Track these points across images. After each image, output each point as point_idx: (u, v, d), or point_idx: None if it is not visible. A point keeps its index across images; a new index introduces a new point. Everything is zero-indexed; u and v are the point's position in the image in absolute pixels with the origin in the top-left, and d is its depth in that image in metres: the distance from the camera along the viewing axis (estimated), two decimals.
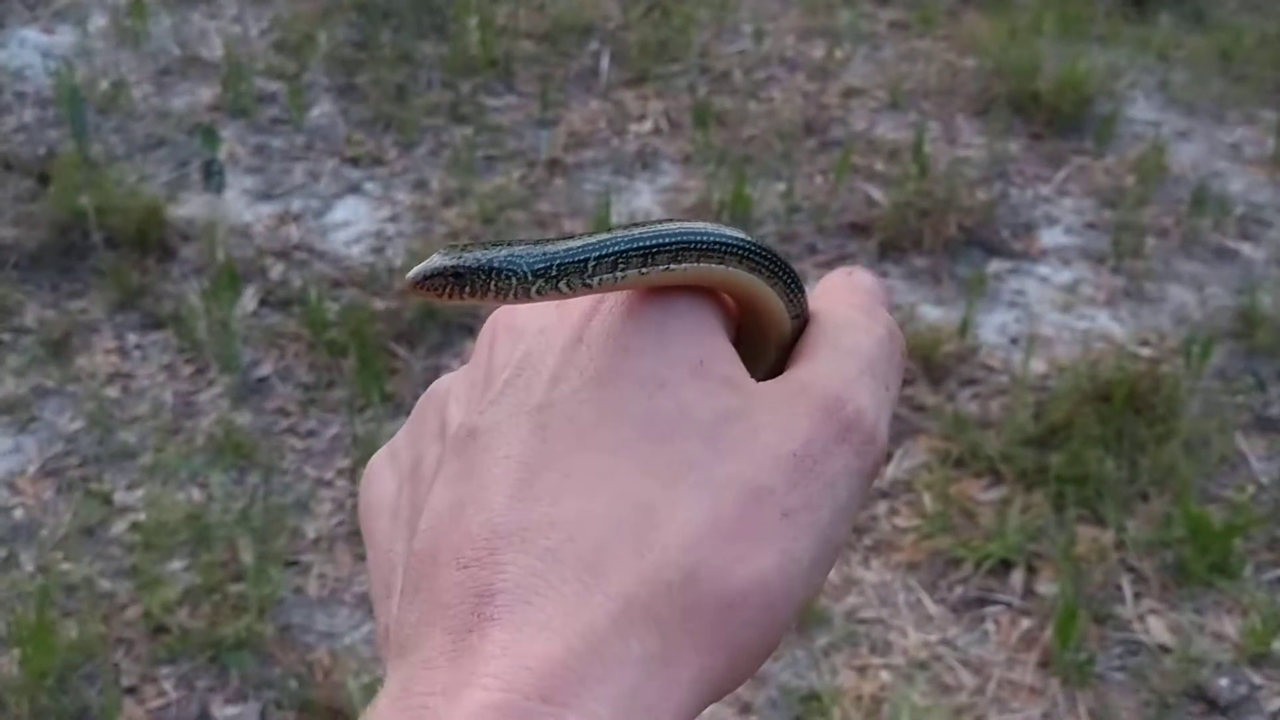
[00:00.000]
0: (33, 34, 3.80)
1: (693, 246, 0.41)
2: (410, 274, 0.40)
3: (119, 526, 2.31)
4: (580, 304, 0.42)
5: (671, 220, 0.42)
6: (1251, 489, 2.34)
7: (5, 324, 2.76)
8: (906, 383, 2.54)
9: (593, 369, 0.40)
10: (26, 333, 2.74)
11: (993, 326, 2.72)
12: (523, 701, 0.33)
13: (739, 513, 0.37)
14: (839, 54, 3.65)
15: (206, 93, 3.54)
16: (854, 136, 3.31)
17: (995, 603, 2.17)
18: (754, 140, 3.31)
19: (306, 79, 3.57)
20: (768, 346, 0.45)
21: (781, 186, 3.11)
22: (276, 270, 2.90)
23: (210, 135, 3.17)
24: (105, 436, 2.49)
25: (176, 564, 2.22)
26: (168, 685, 2.03)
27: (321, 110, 3.47)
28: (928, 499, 2.32)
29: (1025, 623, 2.13)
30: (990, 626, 2.14)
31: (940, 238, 2.92)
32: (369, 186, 3.19)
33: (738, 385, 0.40)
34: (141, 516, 2.32)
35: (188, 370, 2.66)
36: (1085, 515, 2.28)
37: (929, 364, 2.58)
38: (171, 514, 2.31)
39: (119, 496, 2.37)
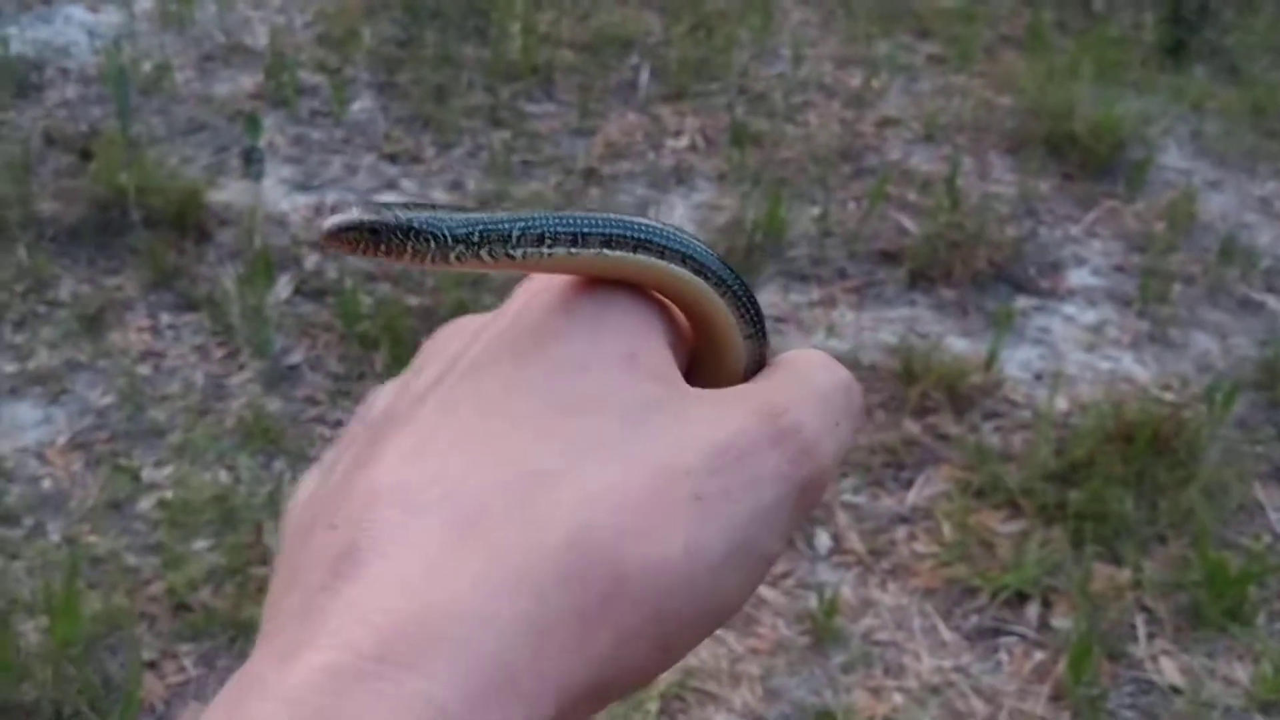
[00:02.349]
0: (79, 12, 3.83)
1: (628, 236, 0.39)
2: (326, 224, 0.38)
3: (146, 503, 2.33)
4: (517, 298, 0.40)
5: (620, 215, 0.41)
6: (1268, 538, 2.36)
7: (41, 296, 2.79)
8: (929, 411, 2.57)
9: (516, 350, 0.38)
10: (62, 306, 2.77)
11: (1017, 361, 2.74)
12: (355, 661, 0.29)
13: (647, 488, 0.34)
14: (876, 84, 3.69)
15: (248, 81, 3.57)
16: (888, 166, 3.34)
17: (1009, 633, 2.19)
18: (789, 163, 3.34)
19: (349, 73, 3.60)
20: (722, 371, 0.42)
21: (815, 210, 3.14)
22: (311, 260, 2.93)
23: (253, 123, 3.20)
24: (135, 413, 2.51)
25: (201, 543, 2.24)
26: (188, 662, 2.05)
27: (362, 105, 3.50)
28: (947, 527, 2.34)
29: (1038, 655, 2.15)
30: (1004, 657, 2.15)
31: (969, 271, 2.95)
32: (405, 184, 3.22)
33: (668, 381, 0.38)
34: (168, 494, 2.34)
35: (219, 353, 2.68)
36: (1103, 553, 2.30)
37: (954, 395, 2.60)
38: (198, 494, 2.33)
39: (147, 473, 2.39)
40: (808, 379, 0.40)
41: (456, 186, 3.21)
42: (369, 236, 0.38)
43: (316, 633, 0.30)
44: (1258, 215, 3.27)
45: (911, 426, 2.55)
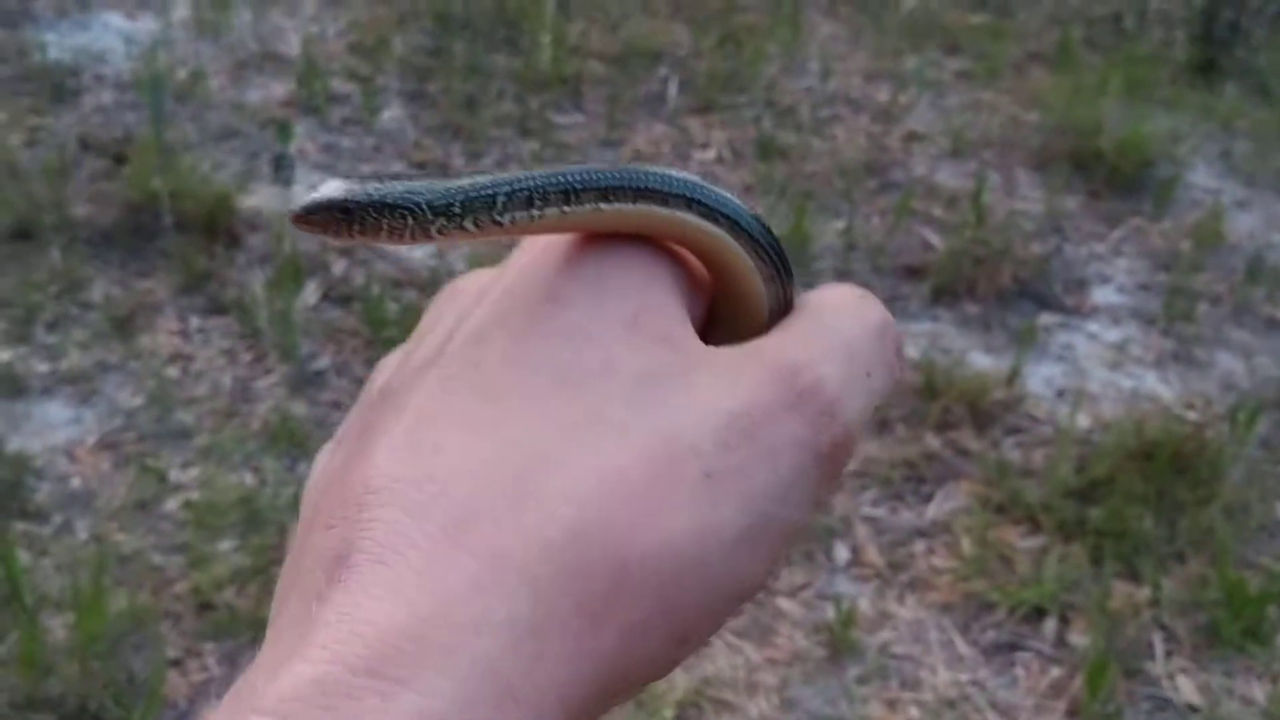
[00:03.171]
0: (116, 19, 3.89)
1: (626, 187, 0.36)
2: (295, 205, 0.35)
3: (172, 503, 2.36)
4: (518, 258, 0.38)
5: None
6: None
7: (73, 298, 2.83)
8: (950, 426, 2.57)
9: (510, 316, 0.35)
10: (93, 308, 2.81)
11: (1040, 378, 2.75)
12: (344, 675, 0.28)
13: (649, 468, 0.32)
14: (904, 98, 3.69)
15: (280, 89, 3.61)
16: (914, 181, 3.35)
17: (1026, 649, 2.19)
18: (815, 176, 3.35)
19: (379, 82, 3.64)
20: (744, 319, 0.39)
21: (840, 224, 3.15)
22: (339, 266, 2.96)
23: (285, 130, 3.24)
24: (163, 415, 2.54)
25: (226, 544, 2.27)
26: (211, 661, 2.08)
27: (392, 114, 3.53)
28: (966, 542, 2.35)
29: (1055, 671, 2.15)
30: (1020, 672, 2.16)
31: (994, 287, 2.96)
32: None
33: (676, 344, 0.35)
34: (195, 495, 2.37)
35: (247, 357, 2.71)
36: (1121, 570, 2.30)
37: (975, 410, 2.61)
38: (224, 495, 2.36)
39: (174, 474, 2.42)
40: (833, 328, 0.37)
41: None
42: (341, 216, 0.35)
43: (308, 642, 0.29)
44: None
45: (933, 441, 2.55)
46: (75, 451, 2.46)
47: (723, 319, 0.39)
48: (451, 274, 2.92)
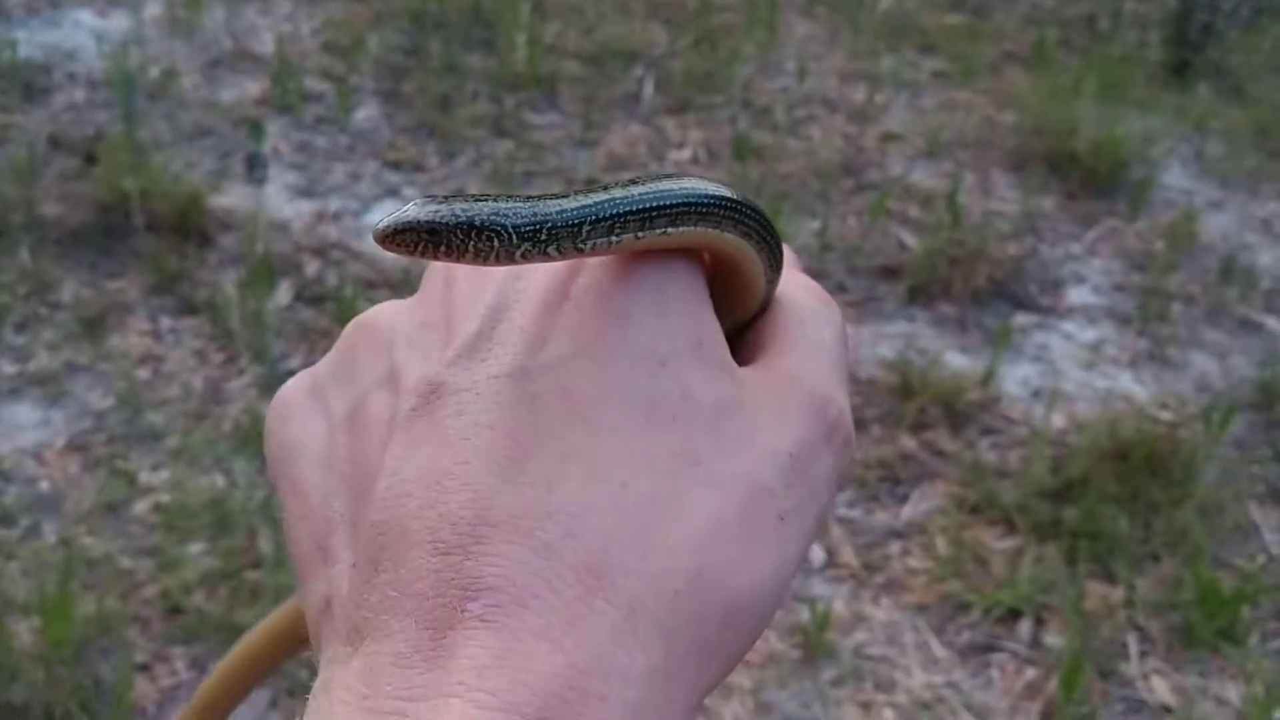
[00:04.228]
0: (87, 16, 3.85)
1: (693, 209, 0.38)
2: (381, 224, 0.36)
3: (142, 506, 2.34)
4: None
5: (667, 177, 0.38)
6: (1262, 559, 2.36)
7: (43, 298, 2.80)
8: (926, 427, 2.57)
9: (585, 335, 0.36)
10: (62, 308, 2.78)
11: (1015, 378, 2.75)
12: None
13: (742, 514, 0.34)
14: (879, 99, 3.69)
15: (254, 87, 3.58)
16: (890, 181, 3.34)
17: (1002, 650, 2.19)
18: (791, 176, 3.35)
19: (354, 81, 3.62)
20: (738, 309, 0.41)
21: (816, 224, 3.15)
22: (312, 267, 2.94)
23: (258, 129, 3.21)
24: (133, 416, 2.52)
25: (196, 547, 2.25)
26: (180, 665, 2.06)
27: (366, 113, 3.51)
28: (941, 543, 2.35)
29: (1030, 672, 2.15)
30: (995, 673, 2.15)
31: (969, 287, 2.95)
32: (408, 192, 3.23)
33: (732, 372, 0.37)
34: (164, 498, 2.34)
35: (218, 358, 2.69)
36: (1096, 571, 2.30)
37: (950, 411, 2.61)
38: (194, 497, 2.33)
39: (143, 476, 2.40)
40: (824, 343, 0.40)
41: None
42: (427, 237, 0.35)
43: (464, 683, 0.30)
44: (1259, 236, 3.27)
45: (908, 442, 2.55)
46: (43, 454, 2.43)
47: (722, 301, 0.40)
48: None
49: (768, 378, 0.38)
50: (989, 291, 2.97)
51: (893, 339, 2.82)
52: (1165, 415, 2.66)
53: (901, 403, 2.61)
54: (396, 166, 3.31)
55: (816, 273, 2.97)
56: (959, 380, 2.67)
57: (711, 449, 0.35)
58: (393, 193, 3.22)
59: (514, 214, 0.36)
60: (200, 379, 2.63)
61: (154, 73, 3.56)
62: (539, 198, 0.37)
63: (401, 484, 0.34)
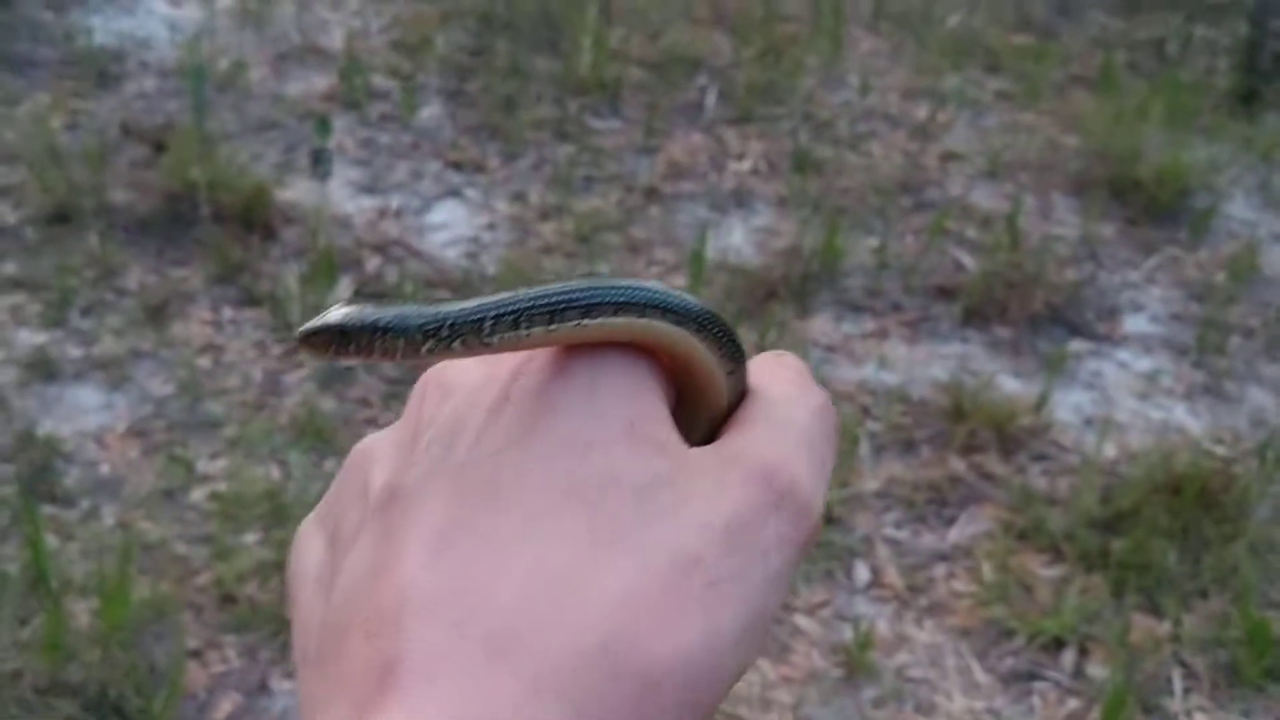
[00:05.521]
0: (161, 6, 3.92)
1: (606, 302, 0.39)
2: (300, 329, 0.39)
3: (198, 493, 2.38)
4: (510, 360, 0.40)
5: (591, 277, 0.40)
6: None
7: (109, 284, 2.85)
8: (976, 450, 2.57)
9: (518, 428, 0.38)
10: (128, 295, 2.83)
11: (1068, 405, 2.73)
12: None
13: (663, 582, 0.35)
14: (942, 117, 3.69)
15: (321, 82, 3.63)
16: (949, 200, 3.34)
17: (1044, 679, 2.19)
18: (850, 192, 3.35)
19: (419, 80, 3.65)
20: (704, 411, 0.42)
21: (873, 241, 3.15)
22: (373, 263, 2.97)
23: (324, 124, 3.26)
24: (193, 404, 2.56)
25: (250, 537, 2.29)
26: (231, 652, 2.09)
27: (431, 112, 3.55)
28: (987, 568, 2.34)
29: (1072, 703, 2.14)
30: (1036, 701, 2.15)
31: (1025, 311, 2.95)
32: (469, 192, 3.26)
33: (669, 450, 0.38)
34: (221, 486, 2.38)
35: (278, 350, 2.73)
36: (1143, 604, 2.29)
37: (1002, 434, 2.60)
38: (250, 488, 2.37)
39: (201, 465, 2.44)
40: (790, 421, 0.40)
41: (519, 198, 3.25)
42: (338, 338, 0.38)
43: None
44: None
45: (957, 464, 2.55)
46: (105, 438, 2.48)
47: (686, 409, 0.42)
48: (484, 276, 2.93)
49: (714, 454, 0.39)
50: (1045, 316, 2.96)
51: (946, 360, 2.82)
52: (1219, 450, 2.64)
53: (952, 425, 2.61)
54: (458, 166, 3.35)
55: (872, 291, 2.98)
56: (1011, 404, 2.66)
57: (634, 522, 0.36)
58: (454, 192, 3.25)
59: (418, 314, 0.39)
60: (259, 370, 2.67)
61: (224, 64, 3.61)
62: (454, 301, 0.39)
63: (351, 583, 0.37)
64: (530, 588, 0.34)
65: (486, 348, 0.39)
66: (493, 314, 0.39)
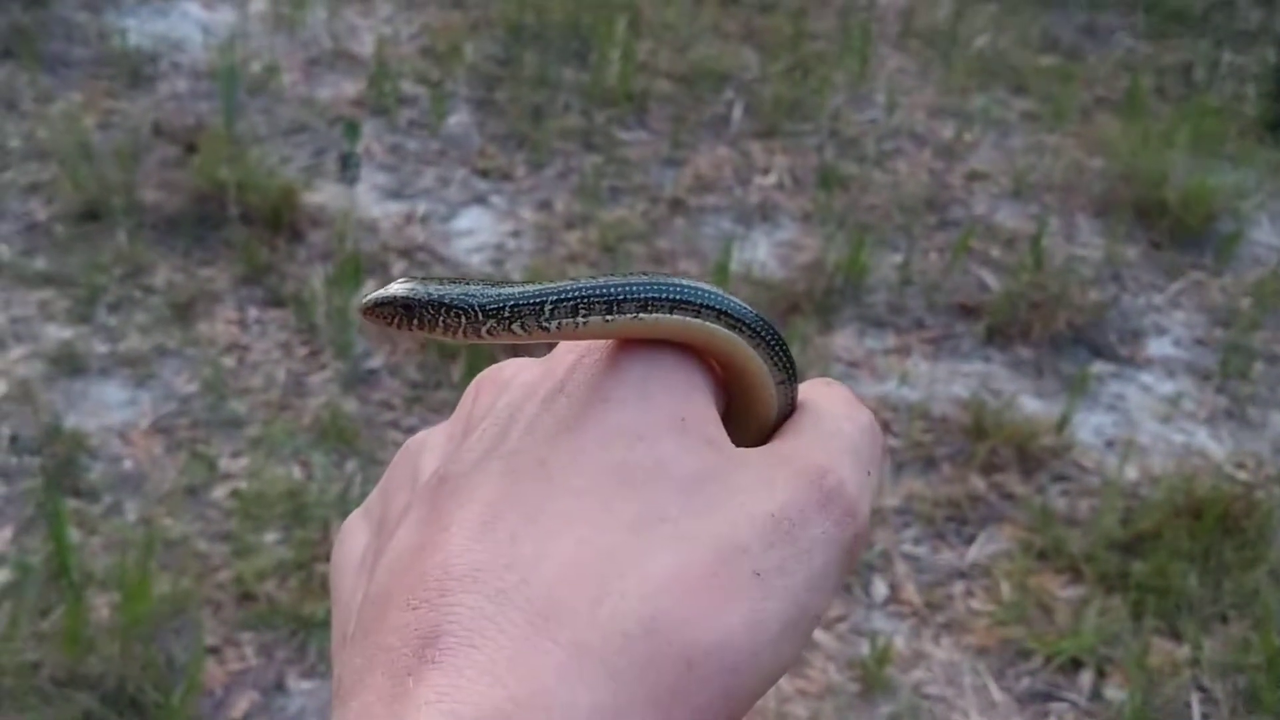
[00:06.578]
0: (195, 8, 3.95)
1: (663, 298, 0.40)
2: (364, 299, 0.40)
3: (220, 491, 2.39)
4: (565, 355, 0.41)
5: (652, 274, 0.41)
6: None
7: (137, 281, 2.87)
8: (996, 469, 2.56)
9: (570, 417, 0.39)
10: (155, 292, 2.85)
11: (1090, 426, 2.73)
12: None
13: (708, 568, 0.35)
14: (968, 136, 3.69)
15: (351, 87, 3.65)
16: (974, 219, 3.34)
17: (1061, 699, 2.18)
18: (875, 209, 3.35)
19: (448, 87, 3.67)
20: (752, 420, 0.43)
21: (897, 258, 3.15)
22: (398, 267, 2.99)
23: (352, 129, 3.28)
24: (217, 403, 2.58)
25: (271, 536, 2.30)
26: (249, 650, 2.10)
27: (459, 120, 3.57)
28: (1006, 587, 2.34)
29: None
30: None
31: (1048, 331, 2.94)
32: (495, 200, 3.28)
33: (718, 446, 0.39)
34: (243, 485, 2.40)
35: (302, 351, 2.75)
36: (1162, 627, 2.28)
37: (1023, 454, 2.60)
38: (271, 487, 2.38)
39: (223, 463, 2.45)
40: (839, 432, 0.41)
41: (545, 207, 3.26)
42: (402, 311, 0.40)
43: (407, 718, 0.31)
44: None
45: (978, 482, 2.54)
46: (129, 433, 2.49)
47: (735, 417, 0.42)
48: (509, 281, 2.94)
49: (763, 454, 0.40)
50: (1068, 337, 2.96)
51: (968, 378, 2.82)
52: (1241, 475, 2.63)
53: (973, 443, 2.61)
54: (485, 174, 3.36)
55: (896, 308, 2.98)
56: (1032, 424, 2.66)
57: (681, 510, 0.36)
58: (480, 200, 3.27)
59: (482, 294, 0.40)
60: (283, 371, 2.68)
61: (255, 67, 3.64)
62: (517, 284, 0.40)
63: (393, 558, 0.37)
64: (576, 565, 0.35)
65: (544, 332, 0.40)
66: (552, 299, 0.39)
